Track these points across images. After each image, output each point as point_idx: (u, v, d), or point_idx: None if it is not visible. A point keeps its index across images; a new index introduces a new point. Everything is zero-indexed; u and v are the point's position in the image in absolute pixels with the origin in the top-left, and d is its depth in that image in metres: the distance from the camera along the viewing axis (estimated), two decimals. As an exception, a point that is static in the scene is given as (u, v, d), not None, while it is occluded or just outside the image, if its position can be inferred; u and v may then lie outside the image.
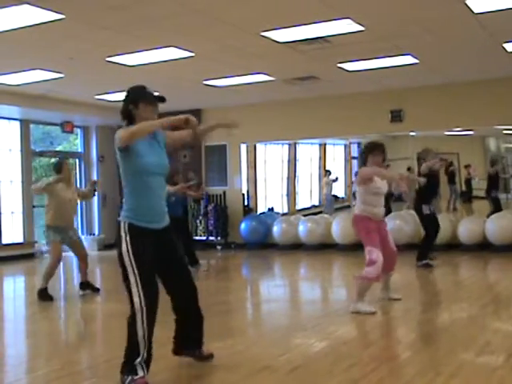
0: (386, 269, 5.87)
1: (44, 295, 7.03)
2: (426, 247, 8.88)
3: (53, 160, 8.32)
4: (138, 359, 3.59)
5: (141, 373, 3.59)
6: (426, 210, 8.58)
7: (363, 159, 5.90)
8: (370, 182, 5.75)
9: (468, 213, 13.68)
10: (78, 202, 7.77)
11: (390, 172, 5.94)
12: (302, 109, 12.18)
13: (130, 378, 3.59)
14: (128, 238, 3.61)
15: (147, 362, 3.66)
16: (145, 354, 3.62)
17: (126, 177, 3.70)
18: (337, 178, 16.09)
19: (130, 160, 3.65)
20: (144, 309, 3.57)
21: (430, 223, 8.78)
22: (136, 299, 3.57)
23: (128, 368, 3.62)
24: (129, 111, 3.74)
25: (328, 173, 16.20)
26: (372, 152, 5.83)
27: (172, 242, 3.87)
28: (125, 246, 3.60)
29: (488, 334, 4.79)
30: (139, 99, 3.73)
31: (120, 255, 3.63)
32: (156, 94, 3.81)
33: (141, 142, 3.64)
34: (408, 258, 8.97)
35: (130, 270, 3.59)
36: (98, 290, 7.60)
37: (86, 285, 7.54)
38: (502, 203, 12.32)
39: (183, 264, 3.97)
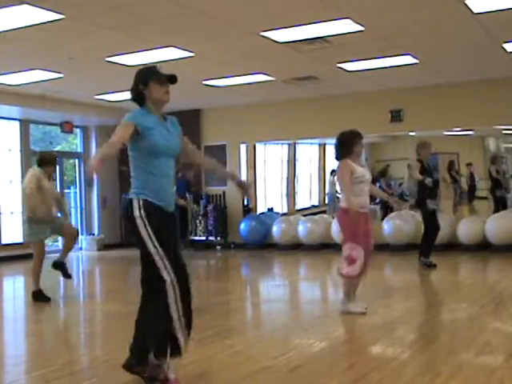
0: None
1: (39, 296, 6.89)
2: (427, 244, 8.54)
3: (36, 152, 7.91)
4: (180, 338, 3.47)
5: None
6: (431, 204, 8.22)
7: (348, 149, 5.59)
8: (351, 174, 5.53)
9: (470, 212, 13.65)
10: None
11: (348, 196, 5.66)
12: (301, 109, 12.18)
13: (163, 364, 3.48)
14: (143, 213, 3.46)
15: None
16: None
17: (135, 157, 3.56)
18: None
19: (138, 140, 3.50)
20: (174, 281, 3.43)
21: (433, 220, 8.43)
22: (165, 274, 3.42)
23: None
24: (139, 91, 3.61)
25: (334, 173, 16.20)
26: (356, 140, 5.61)
27: (176, 228, 3.74)
28: (140, 220, 3.45)
29: (488, 334, 4.79)
30: (149, 79, 3.60)
31: (137, 231, 3.47)
32: (167, 73, 3.63)
33: (152, 122, 3.53)
34: (408, 258, 8.98)
35: (150, 245, 3.45)
36: (69, 276, 7.22)
37: (60, 265, 7.09)
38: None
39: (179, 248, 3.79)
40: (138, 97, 3.64)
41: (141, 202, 3.49)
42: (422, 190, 8.32)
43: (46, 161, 7.04)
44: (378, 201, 14.38)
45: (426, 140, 8.72)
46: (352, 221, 5.45)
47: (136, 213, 3.48)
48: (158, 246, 3.46)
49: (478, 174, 13.34)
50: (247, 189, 4.01)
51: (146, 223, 3.47)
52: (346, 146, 5.65)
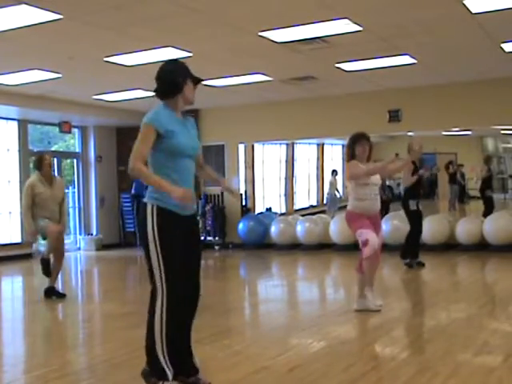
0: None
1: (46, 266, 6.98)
2: (409, 244, 8.79)
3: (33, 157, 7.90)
4: (161, 359, 3.35)
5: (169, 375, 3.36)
6: (412, 205, 8.54)
7: (351, 151, 5.78)
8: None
9: (461, 211, 13.69)
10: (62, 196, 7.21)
11: (375, 165, 5.86)
12: (299, 109, 12.18)
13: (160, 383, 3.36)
14: (155, 220, 3.32)
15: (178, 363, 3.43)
16: (167, 353, 3.36)
17: (156, 158, 3.40)
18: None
19: (161, 142, 3.36)
20: (165, 296, 3.31)
21: (415, 220, 8.71)
22: (158, 284, 3.32)
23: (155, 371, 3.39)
24: (179, 84, 3.47)
25: (335, 173, 16.25)
26: (357, 142, 5.76)
27: (198, 232, 3.65)
28: (150, 228, 3.32)
29: (486, 335, 4.79)
30: (188, 75, 3.53)
31: (145, 238, 3.35)
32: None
33: (174, 122, 3.42)
34: (406, 257, 8.96)
35: (154, 255, 3.32)
36: (63, 295, 7.11)
37: (52, 291, 7.07)
38: (500, 203, 12.34)
39: (199, 260, 3.64)
40: (175, 88, 3.47)
41: (155, 210, 3.36)
42: (405, 191, 8.67)
43: (36, 164, 7.15)
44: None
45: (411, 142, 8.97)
46: (357, 218, 5.68)
47: (149, 220, 3.36)
48: (161, 261, 3.33)
49: (477, 173, 13.36)
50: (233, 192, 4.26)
51: (156, 237, 3.33)
52: (350, 147, 5.83)
